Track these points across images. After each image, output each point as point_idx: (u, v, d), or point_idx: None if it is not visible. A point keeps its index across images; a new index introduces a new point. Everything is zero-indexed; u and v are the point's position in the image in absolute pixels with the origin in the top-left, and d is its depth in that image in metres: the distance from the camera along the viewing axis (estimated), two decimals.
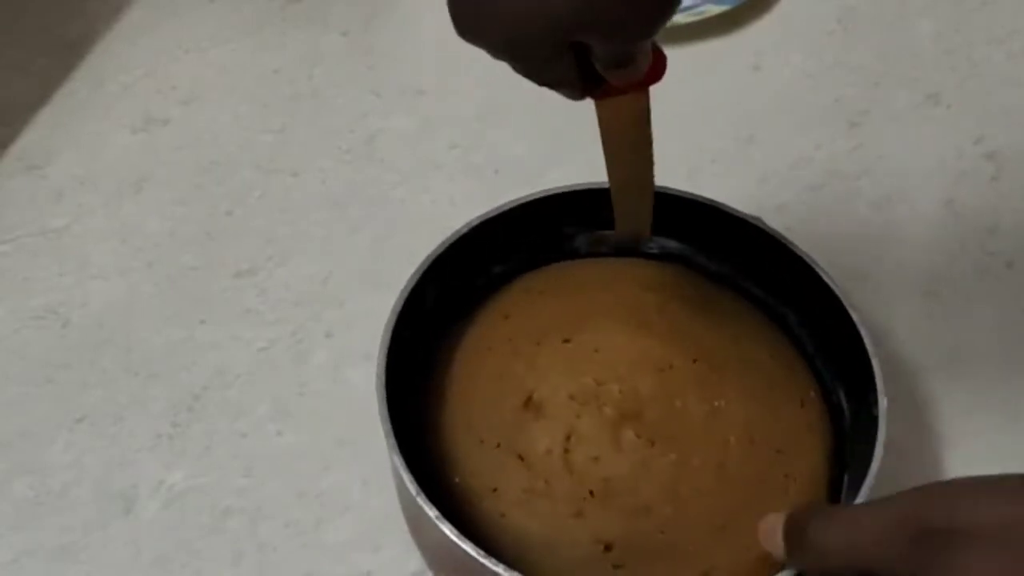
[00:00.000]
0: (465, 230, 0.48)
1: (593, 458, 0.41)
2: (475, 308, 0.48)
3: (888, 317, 0.56)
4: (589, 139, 0.65)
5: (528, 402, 0.43)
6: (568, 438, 0.42)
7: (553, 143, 0.65)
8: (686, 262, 0.52)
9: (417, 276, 0.46)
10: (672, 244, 0.52)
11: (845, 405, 0.47)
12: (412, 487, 0.39)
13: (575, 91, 0.38)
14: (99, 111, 0.68)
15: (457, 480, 0.42)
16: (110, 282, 0.59)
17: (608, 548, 0.40)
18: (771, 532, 0.36)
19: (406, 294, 0.45)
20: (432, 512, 0.39)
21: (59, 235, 0.61)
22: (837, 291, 0.46)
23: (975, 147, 0.66)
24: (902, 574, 0.31)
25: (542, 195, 0.50)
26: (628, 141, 0.43)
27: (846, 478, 0.45)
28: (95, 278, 0.59)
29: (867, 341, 0.44)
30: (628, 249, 0.50)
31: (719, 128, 0.66)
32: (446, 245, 0.47)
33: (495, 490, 0.42)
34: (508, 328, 0.46)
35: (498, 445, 0.42)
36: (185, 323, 0.57)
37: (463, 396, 0.45)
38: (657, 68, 0.38)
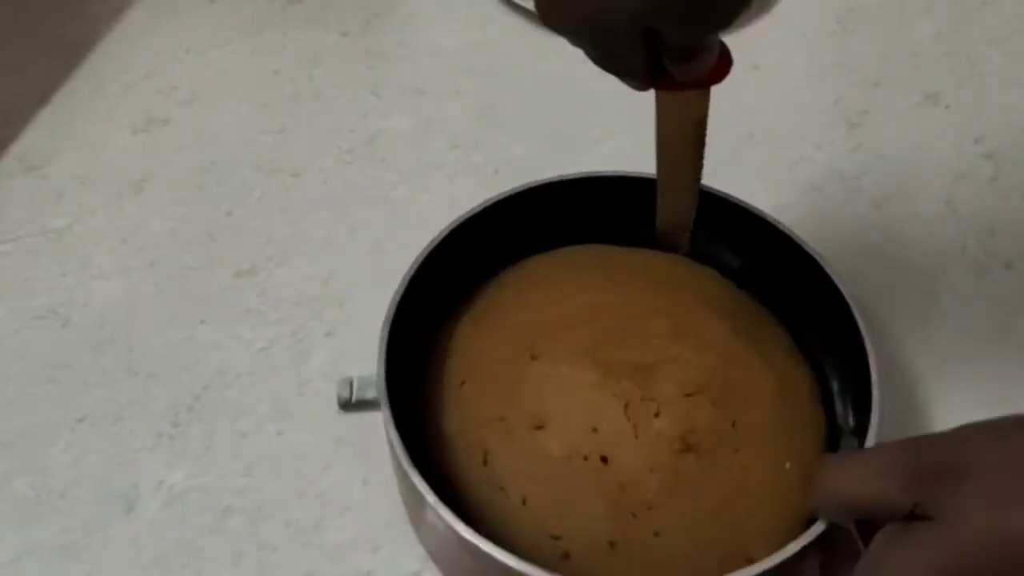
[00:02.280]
0: (454, 225, 0.49)
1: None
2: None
3: (887, 317, 0.56)
4: (588, 140, 0.65)
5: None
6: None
7: (552, 143, 0.65)
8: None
9: (411, 273, 0.47)
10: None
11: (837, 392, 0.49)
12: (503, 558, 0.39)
13: (641, 81, 0.40)
14: (100, 111, 0.68)
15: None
16: (111, 282, 0.59)
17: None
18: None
19: (401, 292, 0.46)
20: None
21: (60, 235, 0.61)
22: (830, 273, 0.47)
23: (975, 147, 0.66)
24: (903, 507, 0.33)
25: (533, 185, 0.51)
26: (681, 138, 0.44)
27: None
28: (96, 278, 0.59)
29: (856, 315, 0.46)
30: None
31: (719, 128, 0.66)
32: (435, 243, 0.48)
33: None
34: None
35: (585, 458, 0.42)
36: (185, 323, 0.57)
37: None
38: (721, 68, 0.40)
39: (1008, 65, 0.71)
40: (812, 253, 0.48)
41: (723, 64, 0.40)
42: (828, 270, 0.48)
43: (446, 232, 0.48)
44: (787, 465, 0.43)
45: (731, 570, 0.38)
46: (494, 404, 0.43)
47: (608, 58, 0.38)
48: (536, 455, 0.42)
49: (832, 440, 0.46)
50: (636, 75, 0.39)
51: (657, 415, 0.42)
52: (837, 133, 0.67)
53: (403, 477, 0.41)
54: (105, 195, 0.63)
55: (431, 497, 0.39)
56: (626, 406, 0.42)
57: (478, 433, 0.43)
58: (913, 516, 0.33)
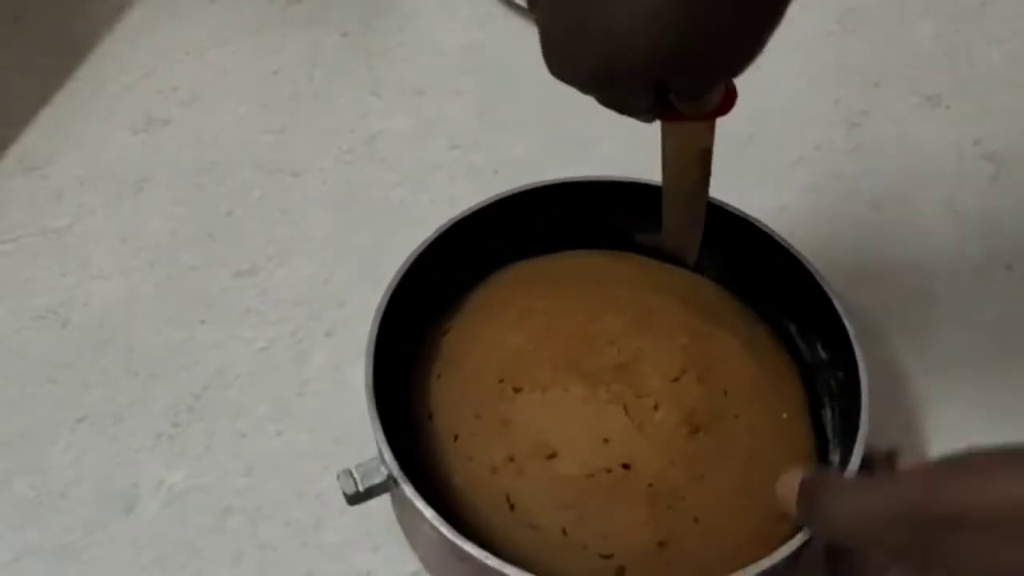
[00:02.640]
0: (448, 226, 0.48)
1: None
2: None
3: (886, 318, 0.56)
4: (588, 140, 0.65)
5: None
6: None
7: (552, 143, 0.65)
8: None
9: (400, 275, 0.46)
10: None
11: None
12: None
13: (647, 117, 0.40)
14: (100, 112, 0.68)
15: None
16: (111, 282, 0.59)
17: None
18: (787, 493, 0.38)
19: (390, 293, 0.45)
20: None
21: (60, 235, 0.61)
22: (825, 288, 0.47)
23: (975, 147, 0.66)
24: (911, 556, 0.32)
25: (530, 187, 0.50)
26: (686, 167, 0.45)
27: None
28: (96, 278, 0.59)
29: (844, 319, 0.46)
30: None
31: (719, 128, 0.66)
32: (427, 243, 0.48)
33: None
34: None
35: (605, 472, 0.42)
36: (185, 323, 0.57)
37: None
38: (727, 101, 0.40)
39: (1008, 65, 0.71)
40: (788, 246, 0.49)
41: (729, 97, 0.40)
42: (807, 264, 0.48)
43: (411, 260, 0.47)
44: (784, 416, 0.44)
45: (774, 530, 0.40)
46: (497, 448, 0.42)
47: (618, 105, 0.38)
48: (561, 484, 0.41)
49: (808, 380, 0.48)
50: (642, 114, 0.39)
51: (656, 408, 0.42)
52: (837, 133, 0.67)
53: (436, 543, 0.40)
54: (105, 195, 0.63)
55: (493, 561, 0.38)
56: (625, 408, 0.42)
57: (493, 480, 0.42)
58: (923, 562, 0.32)
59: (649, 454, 0.41)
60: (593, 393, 0.42)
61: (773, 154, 0.65)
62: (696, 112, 0.39)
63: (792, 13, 0.79)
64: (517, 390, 0.43)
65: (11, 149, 0.66)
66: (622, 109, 0.39)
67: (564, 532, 0.41)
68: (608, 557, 0.41)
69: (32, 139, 0.66)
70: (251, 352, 0.55)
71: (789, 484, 0.38)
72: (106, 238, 0.61)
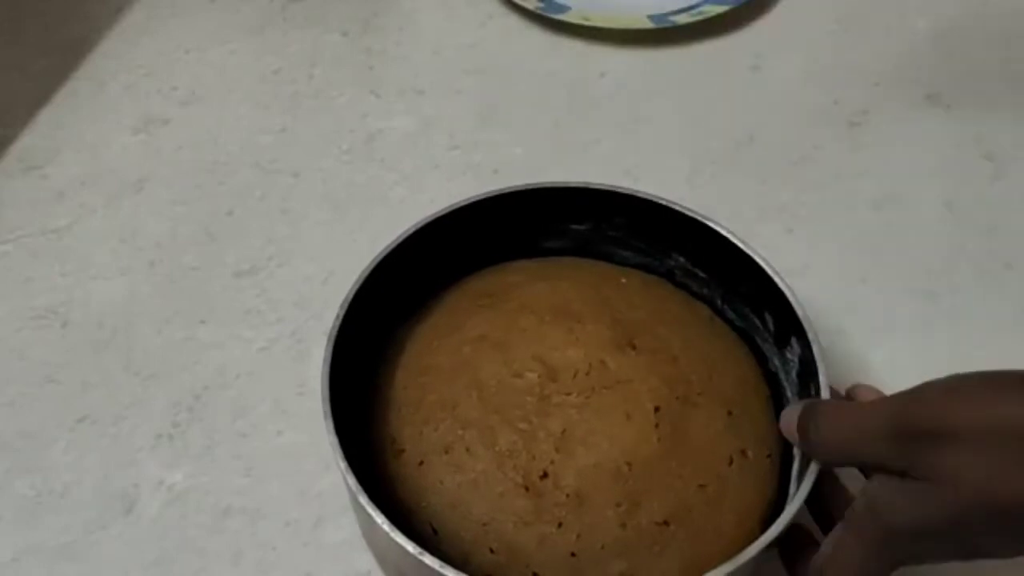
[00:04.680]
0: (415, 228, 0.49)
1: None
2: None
3: (886, 317, 0.56)
4: (588, 140, 0.65)
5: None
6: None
7: (552, 143, 0.65)
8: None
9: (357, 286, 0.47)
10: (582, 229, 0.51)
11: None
12: None
13: None
14: (100, 111, 0.68)
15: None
16: (111, 282, 0.59)
17: None
18: (788, 423, 0.41)
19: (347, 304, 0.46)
20: None
21: (60, 235, 0.61)
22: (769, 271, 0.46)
23: (975, 147, 0.66)
24: (896, 468, 0.35)
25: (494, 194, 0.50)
26: None
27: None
28: (96, 278, 0.59)
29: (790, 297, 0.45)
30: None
31: (719, 128, 0.66)
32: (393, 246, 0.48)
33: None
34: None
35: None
36: (185, 323, 0.57)
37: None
38: None
39: (1008, 65, 0.71)
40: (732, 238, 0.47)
41: None
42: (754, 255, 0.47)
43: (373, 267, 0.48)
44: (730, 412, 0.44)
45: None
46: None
47: None
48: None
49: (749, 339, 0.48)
50: None
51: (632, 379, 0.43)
52: (837, 133, 0.67)
53: None
54: (105, 195, 0.63)
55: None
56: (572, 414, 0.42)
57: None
58: (906, 473, 0.35)
59: (639, 447, 0.42)
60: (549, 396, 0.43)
61: (773, 154, 0.65)
62: None
63: (792, 13, 0.79)
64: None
65: (11, 149, 0.66)
66: None
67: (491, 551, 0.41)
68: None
69: (32, 139, 0.66)
70: (251, 352, 0.56)
71: (791, 416, 0.40)
72: (106, 238, 0.61)
